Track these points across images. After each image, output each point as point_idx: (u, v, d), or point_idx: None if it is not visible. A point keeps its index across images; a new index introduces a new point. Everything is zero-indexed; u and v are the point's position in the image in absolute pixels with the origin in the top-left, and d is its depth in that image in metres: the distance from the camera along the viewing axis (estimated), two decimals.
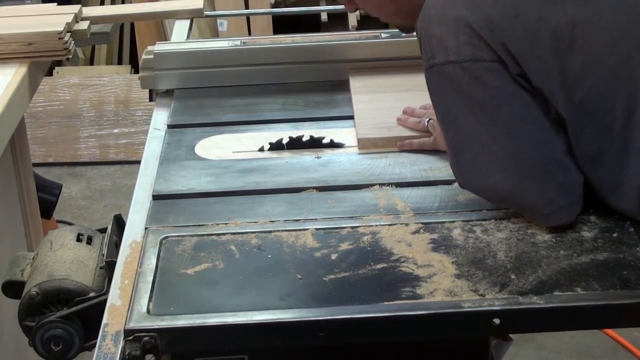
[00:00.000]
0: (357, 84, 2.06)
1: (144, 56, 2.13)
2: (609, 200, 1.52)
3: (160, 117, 2.03)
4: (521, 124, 1.49)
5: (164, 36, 4.59)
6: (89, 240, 1.68)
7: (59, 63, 4.81)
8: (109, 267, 1.57)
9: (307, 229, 1.56)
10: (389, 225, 1.56)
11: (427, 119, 1.82)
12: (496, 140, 1.50)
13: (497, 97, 1.49)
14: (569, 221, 1.52)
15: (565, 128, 1.49)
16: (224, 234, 1.56)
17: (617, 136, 1.47)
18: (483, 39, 1.48)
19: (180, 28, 2.45)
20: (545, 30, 1.47)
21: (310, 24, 4.74)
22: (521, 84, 1.48)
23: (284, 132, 1.89)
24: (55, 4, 2.50)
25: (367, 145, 1.83)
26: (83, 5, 2.47)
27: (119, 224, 1.70)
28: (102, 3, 5.11)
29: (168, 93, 2.13)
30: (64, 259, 1.61)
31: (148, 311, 1.38)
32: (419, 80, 2.05)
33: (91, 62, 5.15)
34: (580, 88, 1.46)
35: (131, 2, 4.55)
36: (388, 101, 1.97)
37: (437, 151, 1.79)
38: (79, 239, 1.68)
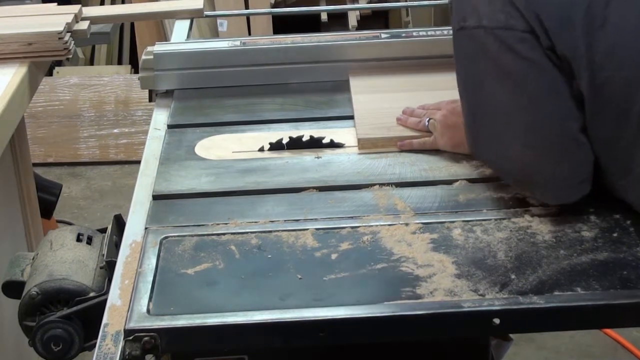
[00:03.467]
0: (357, 84, 2.06)
1: (143, 56, 2.13)
2: (616, 185, 1.52)
3: (160, 117, 2.03)
4: (546, 97, 1.49)
5: (164, 36, 4.59)
6: (89, 240, 1.68)
7: (59, 63, 4.81)
8: (109, 267, 1.57)
9: (307, 229, 1.56)
10: (389, 225, 1.56)
11: (427, 119, 1.82)
12: (519, 110, 1.49)
13: (525, 68, 1.48)
14: (575, 200, 1.52)
15: (583, 106, 1.49)
16: (224, 234, 1.56)
17: (634, 122, 1.46)
18: (518, 9, 1.47)
19: (180, 28, 2.44)
20: (579, 6, 1.45)
21: (310, 24, 4.74)
22: (550, 58, 1.47)
23: (284, 132, 1.89)
24: (55, 4, 2.50)
25: (367, 145, 1.83)
26: (83, 5, 2.46)
27: (119, 224, 1.70)
28: (102, 3, 5.11)
29: (168, 93, 2.12)
30: (64, 259, 1.61)
31: (148, 311, 1.38)
32: (419, 80, 2.07)
33: (91, 62, 5.15)
34: (605, 69, 1.45)
35: (131, 2, 4.55)
36: (388, 101, 1.97)
37: (437, 151, 1.79)
38: (79, 239, 1.68)
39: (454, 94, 1.90)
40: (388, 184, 1.70)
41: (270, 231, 1.57)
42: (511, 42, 1.48)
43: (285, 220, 1.60)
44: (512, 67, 1.49)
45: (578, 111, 1.49)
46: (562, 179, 1.51)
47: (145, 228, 1.60)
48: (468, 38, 1.53)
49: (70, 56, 2.28)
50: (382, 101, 1.98)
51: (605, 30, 1.44)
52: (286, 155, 1.83)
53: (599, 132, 1.49)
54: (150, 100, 2.14)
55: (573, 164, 1.51)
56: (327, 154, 1.82)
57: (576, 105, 1.49)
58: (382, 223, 1.57)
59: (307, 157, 1.82)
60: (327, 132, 1.89)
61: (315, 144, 1.85)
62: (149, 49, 2.14)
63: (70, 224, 3.57)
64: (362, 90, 2.04)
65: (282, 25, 4.83)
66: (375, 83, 2.07)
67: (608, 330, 3.07)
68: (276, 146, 1.85)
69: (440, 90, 1.98)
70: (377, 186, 1.69)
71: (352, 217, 1.60)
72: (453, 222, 1.56)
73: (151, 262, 1.50)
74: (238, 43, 2.17)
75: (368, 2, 4.97)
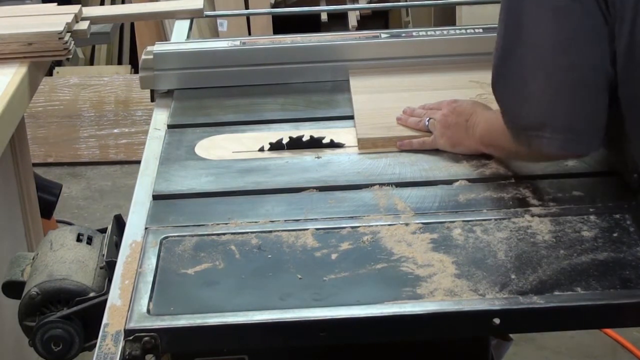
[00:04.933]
0: (357, 84, 2.06)
1: (143, 56, 2.13)
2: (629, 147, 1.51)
3: (160, 117, 2.03)
4: (585, 39, 1.46)
5: (164, 36, 4.58)
6: (89, 241, 1.68)
7: (59, 63, 4.81)
8: (109, 267, 1.57)
9: (307, 229, 1.56)
10: (389, 225, 1.56)
11: (427, 119, 1.82)
12: (554, 46, 1.47)
13: (573, 8, 1.45)
14: (581, 154, 1.52)
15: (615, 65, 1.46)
16: (224, 234, 1.56)
17: None
18: None
19: (180, 28, 2.44)
20: None
21: (310, 24, 4.74)
22: (600, 6, 1.45)
23: (284, 132, 1.89)
24: (55, 4, 2.50)
25: (367, 145, 1.83)
26: (83, 5, 2.46)
27: (119, 224, 1.70)
28: (102, 3, 5.11)
29: (168, 93, 2.12)
30: (64, 259, 1.61)
31: (148, 311, 1.38)
32: (419, 80, 2.07)
33: (91, 62, 5.15)
34: None
35: (131, 2, 4.55)
36: (388, 101, 1.97)
37: (437, 151, 1.79)
38: (79, 239, 1.68)
39: (454, 94, 1.91)
40: (388, 184, 1.70)
41: (270, 231, 1.57)
42: None
43: (285, 220, 1.60)
44: (559, 3, 1.46)
45: (611, 66, 1.46)
46: (575, 128, 1.48)
47: (145, 228, 1.60)
48: None
49: (70, 56, 2.28)
50: (382, 101, 1.98)
51: None
52: (286, 155, 1.83)
53: (631, 92, 1.46)
54: (152, 100, 2.14)
55: (590, 116, 1.48)
56: (327, 154, 1.82)
57: (611, 60, 1.46)
58: (382, 223, 1.57)
59: (307, 157, 1.82)
60: (327, 132, 1.89)
61: (315, 144, 1.85)
62: (149, 48, 2.14)
63: (70, 224, 3.57)
64: (362, 90, 2.04)
65: (282, 25, 4.82)
66: (375, 83, 2.07)
67: (608, 330, 3.07)
68: (276, 146, 1.85)
69: (440, 90, 1.99)
70: (377, 186, 1.69)
71: (352, 217, 1.60)
72: (453, 222, 1.56)
73: (151, 262, 1.50)
74: (238, 43, 2.17)
75: (368, 2, 4.97)
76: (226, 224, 1.60)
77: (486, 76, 2.02)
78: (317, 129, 1.91)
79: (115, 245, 1.63)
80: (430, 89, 2.00)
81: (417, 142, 1.82)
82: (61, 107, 4.54)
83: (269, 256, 1.50)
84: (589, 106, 1.48)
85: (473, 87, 1.99)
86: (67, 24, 2.26)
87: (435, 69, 2.09)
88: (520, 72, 1.52)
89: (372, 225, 1.57)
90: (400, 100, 1.94)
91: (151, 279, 1.45)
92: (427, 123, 1.82)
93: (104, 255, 1.63)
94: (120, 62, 5.17)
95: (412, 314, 1.36)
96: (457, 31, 2.17)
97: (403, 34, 2.18)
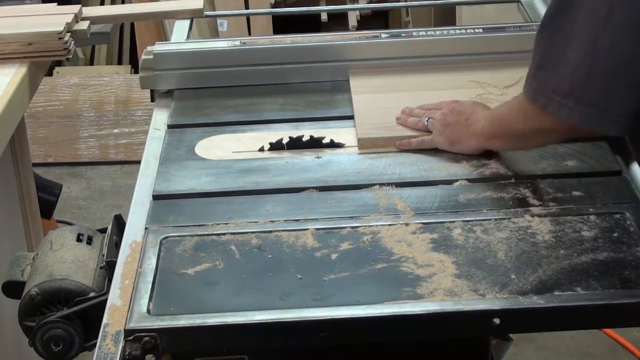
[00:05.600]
0: (357, 84, 2.06)
1: (143, 56, 2.12)
2: None
3: (160, 117, 2.03)
4: (636, 29, 1.43)
5: (164, 36, 4.59)
6: (89, 240, 1.68)
7: (59, 63, 4.81)
8: (109, 267, 1.57)
9: (307, 229, 1.56)
10: (389, 225, 1.56)
11: (427, 118, 1.82)
12: (605, 26, 1.44)
13: None
14: (599, 130, 1.50)
15: None
16: (224, 234, 1.56)
17: None
18: None
19: (180, 28, 2.44)
20: None
21: (310, 24, 4.74)
22: None
23: (284, 132, 1.89)
24: (55, 4, 2.50)
25: (367, 145, 1.83)
26: (83, 5, 2.46)
27: (119, 224, 1.70)
28: (102, 3, 5.11)
29: (168, 93, 2.12)
30: (64, 259, 1.61)
31: (148, 311, 1.38)
32: (419, 80, 2.07)
33: (91, 62, 5.15)
34: None
35: (131, 2, 4.55)
36: (388, 101, 1.97)
37: (437, 151, 1.79)
38: (79, 239, 1.68)
39: (454, 94, 1.91)
40: (388, 184, 1.70)
41: (270, 231, 1.57)
42: None
43: (285, 220, 1.60)
44: None
45: None
46: (602, 107, 1.46)
47: (145, 228, 1.60)
48: None
49: (70, 56, 2.28)
50: (382, 101, 1.98)
51: None
52: (286, 155, 1.83)
53: None
54: (152, 100, 2.14)
55: (620, 100, 1.46)
56: (327, 154, 1.82)
57: None
58: (382, 223, 1.57)
59: (307, 157, 1.82)
60: (327, 132, 1.89)
61: (315, 144, 1.85)
62: (149, 49, 2.14)
63: (70, 224, 3.57)
64: (362, 90, 2.04)
65: (282, 25, 4.82)
66: (375, 83, 2.07)
67: (608, 330, 3.08)
68: (276, 146, 1.85)
69: (440, 90, 1.99)
70: (377, 186, 1.69)
71: (352, 217, 1.60)
72: (453, 222, 1.56)
73: (151, 262, 1.50)
74: (238, 43, 2.17)
75: (368, 2, 4.97)
76: (226, 224, 1.60)
77: (486, 76, 2.04)
78: (317, 129, 1.91)
79: (115, 245, 1.63)
80: (430, 89, 2.00)
81: (415, 141, 1.82)
82: (61, 107, 4.54)
83: (269, 256, 1.50)
84: (622, 91, 1.46)
85: (473, 87, 2.00)
86: (67, 24, 2.26)
87: (435, 69, 2.09)
88: (567, 34, 1.49)
89: (372, 225, 1.57)
90: (400, 100, 1.94)
91: (151, 279, 1.45)
92: (426, 122, 1.82)
93: (104, 255, 1.63)
94: (120, 62, 5.17)
95: (412, 314, 1.36)
96: (457, 31, 2.17)
97: (403, 34, 2.17)
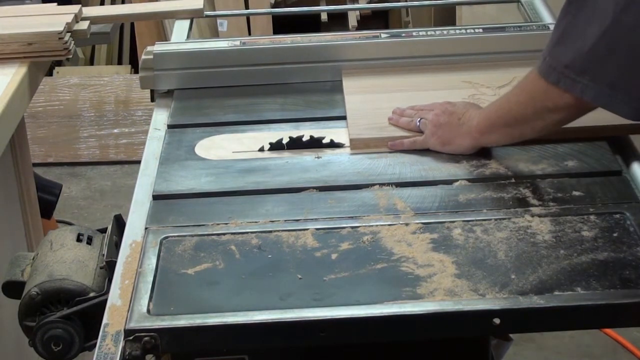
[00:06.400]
0: (350, 85, 2.06)
1: (143, 56, 2.13)
2: None
3: (160, 117, 2.03)
4: None
5: (164, 36, 4.59)
6: (89, 240, 1.68)
7: (59, 63, 4.81)
8: (109, 267, 1.57)
9: (307, 229, 1.56)
10: (389, 225, 1.56)
11: (419, 119, 1.82)
12: (627, 3, 1.43)
13: None
14: (614, 109, 1.48)
15: None
16: (224, 234, 1.56)
17: None
18: None
19: (180, 28, 2.44)
20: None
21: (310, 24, 4.74)
22: None
23: (284, 132, 1.89)
24: (55, 4, 2.50)
25: (359, 145, 1.83)
26: (83, 5, 2.46)
27: (119, 224, 1.70)
28: (102, 3, 5.11)
29: (168, 93, 2.12)
30: (64, 259, 1.61)
31: (148, 311, 1.38)
32: (412, 80, 2.07)
33: (91, 62, 5.15)
34: None
35: (131, 2, 4.55)
36: (381, 101, 1.96)
37: (436, 151, 1.79)
38: (79, 239, 1.68)
39: (449, 95, 1.91)
40: (388, 184, 1.70)
41: (270, 231, 1.57)
42: None
43: (285, 220, 1.60)
44: None
45: None
46: (617, 86, 1.45)
47: (145, 228, 1.60)
48: None
49: (70, 56, 2.28)
50: (376, 101, 1.97)
51: None
52: (286, 155, 1.83)
53: None
54: (152, 100, 2.15)
55: (637, 82, 1.45)
56: (327, 154, 1.82)
57: None
58: (382, 223, 1.57)
59: (307, 157, 1.82)
60: (327, 132, 1.88)
61: (315, 144, 1.85)
62: (149, 49, 2.14)
63: (70, 224, 3.57)
64: (355, 90, 2.03)
65: (282, 25, 4.82)
66: (369, 83, 2.06)
67: (608, 330, 3.08)
68: (276, 146, 1.85)
69: (436, 91, 1.99)
70: (377, 186, 1.69)
71: (352, 217, 1.60)
72: (453, 222, 1.56)
73: (151, 262, 1.50)
74: (238, 43, 2.17)
75: (368, 2, 4.97)
76: (226, 224, 1.60)
77: (479, 76, 2.04)
78: (317, 129, 1.91)
79: (115, 245, 1.63)
80: (425, 89, 2.00)
81: (407, 142, 1.81)
82: (61, 107, 4.54)
83: (269, 256, 1.50)
84: (639, 73, 1.46)
85: (466, 88, 1.99)
86: (67, 24, 2.26)
87: (430, 70, 2.09)
88: (591, 10, 1.48)
89: (372, 225, 1.57)
90: (393, 101, 1.94)
91: (151, 279, 1.45)
92: (418, 123, 1.82)
93: (104, 255, 1.63)
94: (120, 62, 5.17)
95: (412, 314, 1.36)
96: (457, 31, 2.17)
97: (403, 34, 2.17)
